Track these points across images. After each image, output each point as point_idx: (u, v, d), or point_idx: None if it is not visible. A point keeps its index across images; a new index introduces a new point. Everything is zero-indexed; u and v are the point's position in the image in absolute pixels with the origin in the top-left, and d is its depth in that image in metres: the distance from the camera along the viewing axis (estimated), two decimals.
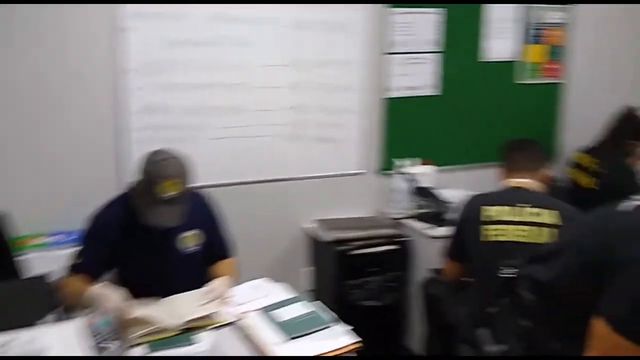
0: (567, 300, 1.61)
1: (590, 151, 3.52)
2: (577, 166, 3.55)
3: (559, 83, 3.83)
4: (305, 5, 3.13)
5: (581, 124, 3.77)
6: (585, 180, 3.45)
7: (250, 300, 2.18)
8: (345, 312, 3.07)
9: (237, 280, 2.35)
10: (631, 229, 1.47)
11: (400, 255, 3.21)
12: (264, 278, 2.36)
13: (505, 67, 3.67)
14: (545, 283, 1.63)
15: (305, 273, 3.44)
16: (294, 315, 2.04)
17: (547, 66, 3.78)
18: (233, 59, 3.05)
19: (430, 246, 3.09)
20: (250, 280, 2.36)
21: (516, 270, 1.75)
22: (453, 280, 2.69)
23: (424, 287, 2.86)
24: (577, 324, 1.51)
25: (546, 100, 3.84)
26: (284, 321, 2.01)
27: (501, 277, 1.77)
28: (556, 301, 1.63)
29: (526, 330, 1.68)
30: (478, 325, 2.16)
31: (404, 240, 3.22)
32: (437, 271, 3.00)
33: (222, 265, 2.43)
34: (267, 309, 2.09)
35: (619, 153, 3.40)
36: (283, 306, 2.10)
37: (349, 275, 3.12)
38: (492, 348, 1.86)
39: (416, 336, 3.16)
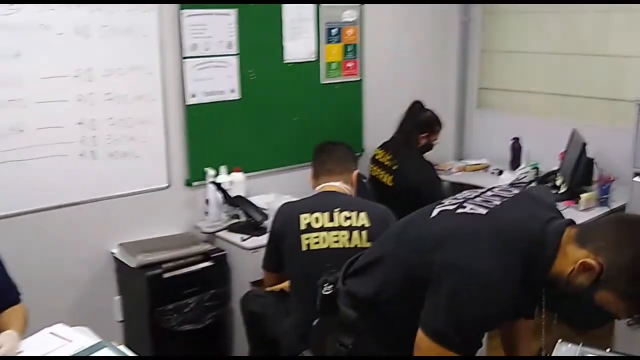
0: (392, 314, 1.55)
1: (385, 147, 3.60)
2: (376, 162, 3.62)
3: (358, 81, 3.89)
4: (86, 8, 2.82)
5: (380, 120, 3.86)
6: (383, 176, 3.53)
7: (45, 354, 1.87)
8: (163, 341, 2.88)
9: (28, 331, 2.02)
10: (439, 237, 1.44)
11: (218, 271, 3.03)
12: (60, 324, 2.05)
13: (307, 68, 3.63)
14: (366, 298, 1.57)
15: (115, 303, 3.13)
16: None
17: (346, 65, 3.81)
18: (2, 73, 2.66)
19: (248, 258, 2.96)
20: (48, 326, 2.04)
21: (335, 285, 1.66)
22: (273, 292, 2.60)
23: (244, 302, 2.73)
24: (404, 336, 1.46)
25: (349, 98, 3.88)
26: None
27: (322, 293, 1.67)
28: (379, 315, 1.57)
29: (350, 348, 1.60)
30: (303, 339, 2.08)
31: (220, 255, 3.05)
32: (257, 284, 2.90)
33: (7, 316, 2.07)
34: None
35: (411, 147, 3.52)
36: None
37: (164, 300, 2.88)
38: None
39: (242, 354, 3.02)
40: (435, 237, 1.44)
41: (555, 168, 3.69)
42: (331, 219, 2.30)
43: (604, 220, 1.40)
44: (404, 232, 1.58)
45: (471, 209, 1.47)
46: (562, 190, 3.38)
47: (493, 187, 1.63)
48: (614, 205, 3.29)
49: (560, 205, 3.15)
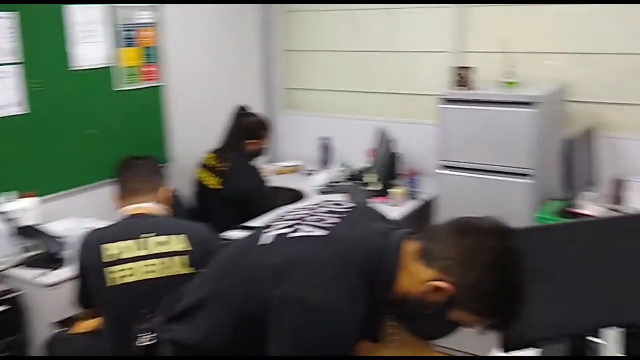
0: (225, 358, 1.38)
1: (216, 152, 3.48)
2: (204, 166, 3.47)
3: (158, 86, 3.64)
4: None
5: (189, 126, 3.66)
6: (211, 181, 3.38)
7: None
8: None
9: None
10: (276, 268, 1.30)
11: (13, 315, 2.61)
12: None
13: (101, 75, 3.31)
14: (195, 345, 1.38)
15: None
16: None
17: (145, 69, 3.54)
18: None
19: (49, 296, 2.59)
20: None
21: (155, 334, 1.44)
22: (83, 333, 2.30)
23: (49, 347, 2.39)
24: None
25: (150, 106, 3.62)
26: None
27: (139, 345, 1.45)
28: None
29: None
30: None
31: (14, 296, 2.63)
32: (64, 323, 2.56)
33: None
34: None
35: (239, 154, 3.41)
36: None
37: None
38: None
39: None
40: (272, 268, 1.30)
41: (366, 165, 3.75)
42: (142, 247, 2.05)
43: (446, 232, 1.31)
44: (234, 264, 1.42)
45: (308, 231, 1.34)
46: (378, 187, 3.44)
47: (326, 201, 1.53)
48: (424, 198, 3.42)
49: (374, 202, 3.20)
